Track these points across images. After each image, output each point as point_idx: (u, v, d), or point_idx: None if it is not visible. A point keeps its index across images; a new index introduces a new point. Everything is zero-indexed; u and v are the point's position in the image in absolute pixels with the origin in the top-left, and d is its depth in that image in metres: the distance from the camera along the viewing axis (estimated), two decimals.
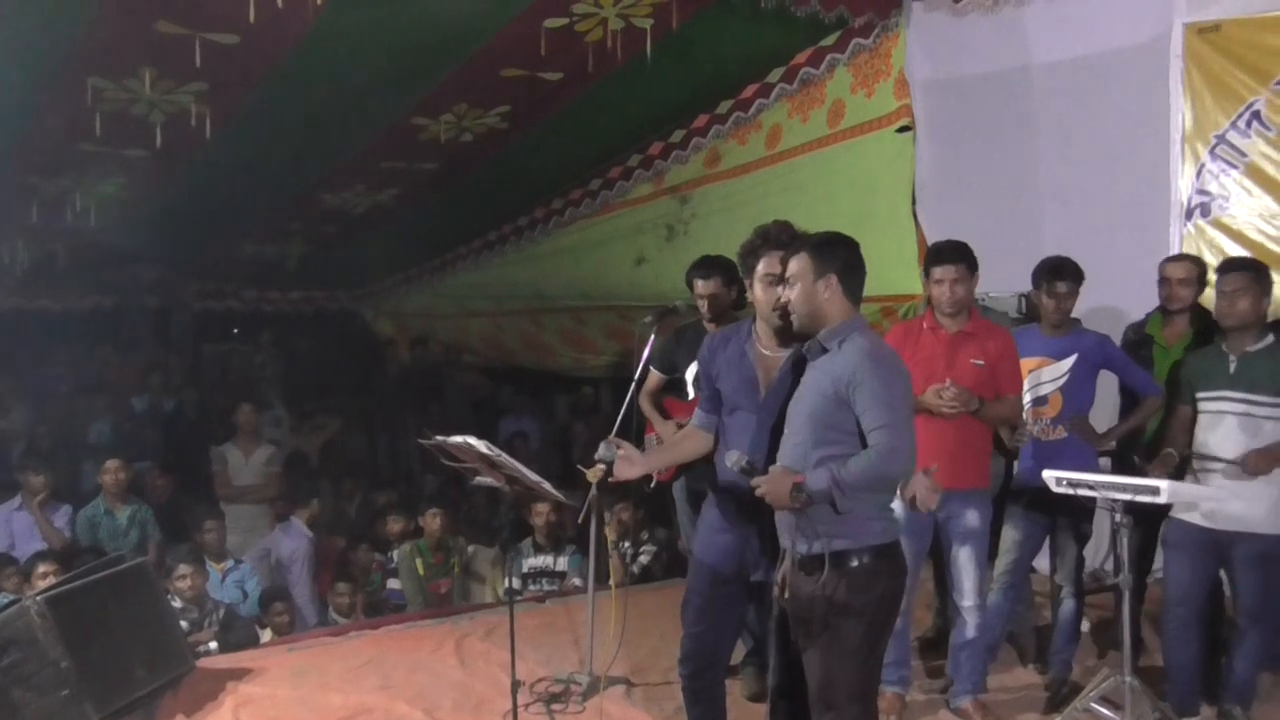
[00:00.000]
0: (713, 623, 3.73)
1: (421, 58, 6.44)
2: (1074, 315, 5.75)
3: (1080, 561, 4.70)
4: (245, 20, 5.36)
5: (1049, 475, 4.13)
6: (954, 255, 4.33)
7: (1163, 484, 3.92)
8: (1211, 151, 5.66)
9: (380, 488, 9.66)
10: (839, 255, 3.30)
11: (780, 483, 3.13)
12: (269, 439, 9.05)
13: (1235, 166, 5.58)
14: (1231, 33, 5.52)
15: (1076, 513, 4.54)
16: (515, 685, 4.04)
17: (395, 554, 7.25)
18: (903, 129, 6.76)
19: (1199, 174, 5.71)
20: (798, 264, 3.27)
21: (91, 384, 11.62)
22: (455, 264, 11.06)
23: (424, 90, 6.99)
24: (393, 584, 7.22)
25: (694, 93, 7.71)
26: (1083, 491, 4.02)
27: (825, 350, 3.23)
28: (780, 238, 3.53)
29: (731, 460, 3.30)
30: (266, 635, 6.36)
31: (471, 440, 3.72)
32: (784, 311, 3.38)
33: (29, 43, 5.78)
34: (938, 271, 4.32)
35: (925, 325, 4.42)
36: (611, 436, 3.86)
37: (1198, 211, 5.74)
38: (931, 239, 6.09)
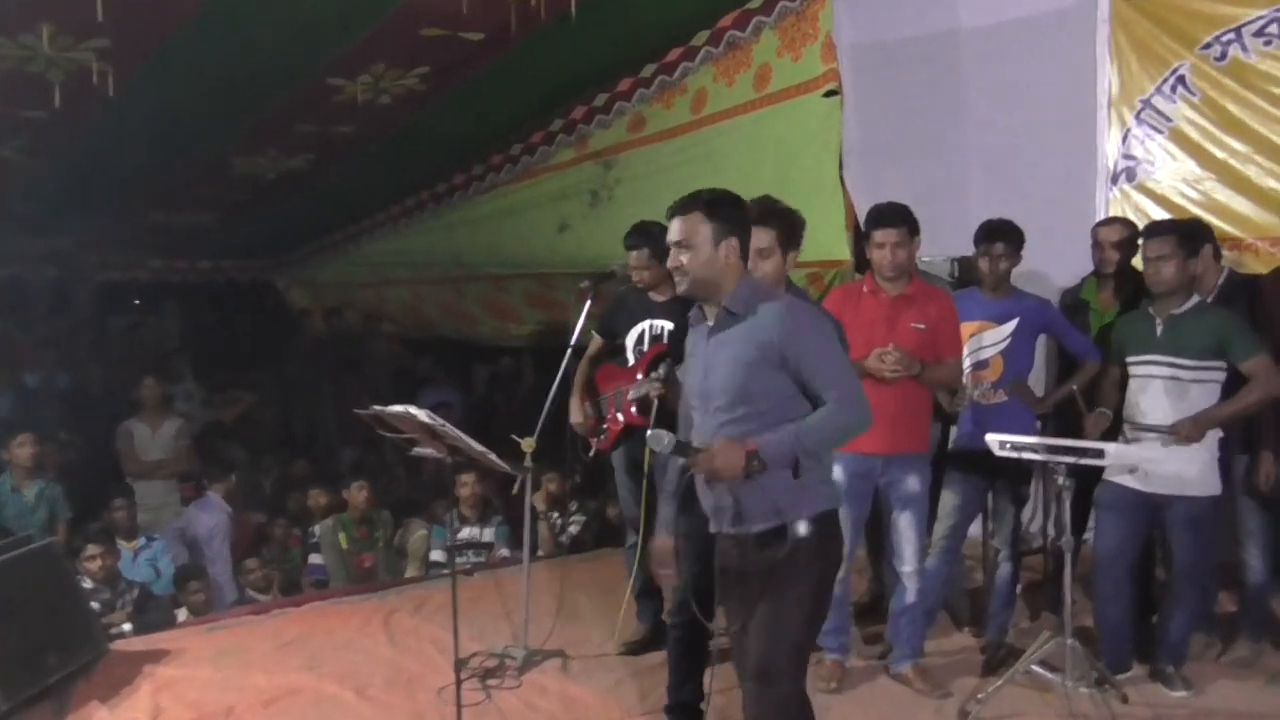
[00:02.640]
0: (709, 565, 3.70)
1: (339, 14, 6.19)
2: None
3: (1018, 525, 4.72)
4: None
5: (992, 439, 4.11)
6: (895, 218, 4.28)
7: (1108, 447, 3.94)
8: (1137, 116, 5.71)
9: (297, 461, 9.41)
10: (740, 217, 3.09)
11: (732, 454, 2.90)
12: (181, 413, 8.75)
13: (1160, 131, 5.65)
14: None
15: (1014, 476, 4.55)
16: (460, 663, 3.93)
17: (317, 529, 7.05)
18: (830, 93, 6.69)
19: (1125, 139, 5.76)
20: (694, 226, 3.00)
21: None
22: (373, 231, 10.76)
23: (340, 49, 6.71)
24: (314, 559, 7.03)
25: (618, 56, 7.55)
26: (1027, 455, 4.02)
27: (734, 316, 3.01)
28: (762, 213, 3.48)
29: (661, 444, 2.99)
30: (183, 615, 6.14)
31: (413, 410, 3.58)
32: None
33: None
34: (879, 235, 4.27)
35: (865, 289, 4.37)
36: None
37: (1123, 176, 5.80)
38: (859, 205, 6.06)
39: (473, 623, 5.27)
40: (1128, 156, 5.76)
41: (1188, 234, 4.17)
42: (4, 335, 11.52)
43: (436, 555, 6.66)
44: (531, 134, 8.63)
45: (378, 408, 3.63)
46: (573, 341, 4.73)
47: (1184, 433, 4.00)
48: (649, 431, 3.03)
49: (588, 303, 4.81)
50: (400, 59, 7.03)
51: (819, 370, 2.96)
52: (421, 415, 3.53)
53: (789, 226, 3.69)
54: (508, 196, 9.14)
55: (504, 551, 6.59)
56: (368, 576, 6.82)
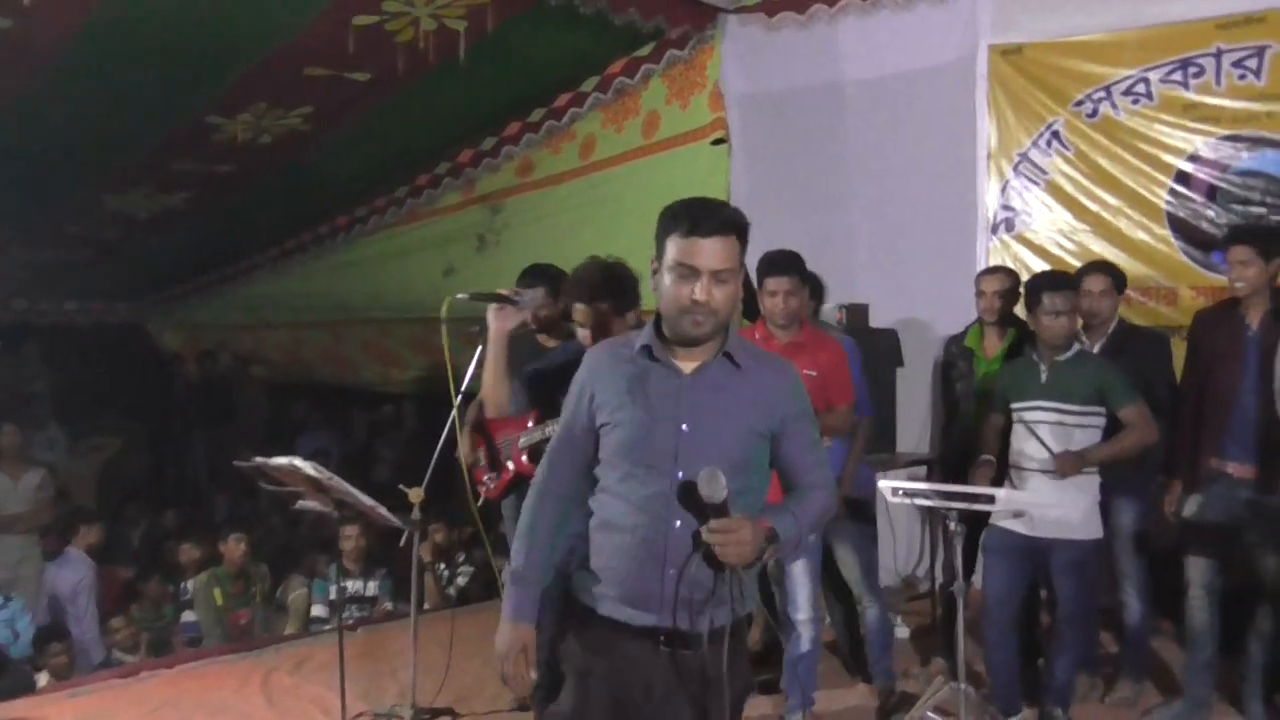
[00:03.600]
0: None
1: (218, 51, 6.04)
2: (886, 326, 5.91)
3: (874, 565, 4.75)
4: (18, 2, 4.88)
5: (885, 485, 4.14)
6: (786, 267, 4.30)
7: (999, 493, 3.99)
8: (1015, 168, 5.90)
9: (167, 512, 9.03)
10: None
11: (751, 534, 2.25)
12: (41, 461, 8.32)
13: (1036, 183, 5.84)
14: (1033, 55, 5.78)
15: (860, 516, 4.60)
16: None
17: (190, 584, 6.74)
18: (717, 141, 6.80)
19: (1004, 190, 5.95)
20: (734, 253, 2.32)
21: None
22: (250, 273, 10.49)
23: (220, 87, 6.56)
24: (186, 616, 6.72)
25: (507, 100, 7.55)
26: (919, 501, 4.05)
27: (735, 368, 2.42)
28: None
29: (714, 487, 2.21)
30: (44, 680, 5.79)
31: (297, 462, 3.42)
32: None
33: None
34: (771, 283, 4.28)
35: (758, 335, 4.38)
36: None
37: (1003, 226, 5.98)
38: (750, 253, 6.09)
39: (357, 680, 5.08)
40: (1006, 207, 5.94)
41: (1077, 289, 4.30)
42: None
43: (318, 610, 6.42)
44: (417, 176, 8.55)
45: (260, 459, 3.46)
46: (464, 388, 4.61)
47: (1060, 467, 4.08)
48: (705, 469, 2.22)
49: (479, 348, 4.69)
50: (283, 98, 6.91)
51: (811, 448, 2.52)
52: (307, 468, 3.38)
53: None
54: (392, 239, 9.03)
55: (388, 605, 6.39)
56: (244, 634, 6.54)
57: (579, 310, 3.74)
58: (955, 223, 6.05)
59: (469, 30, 6.16)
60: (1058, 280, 4.32)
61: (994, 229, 5.98)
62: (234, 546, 6.74)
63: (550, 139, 7.77)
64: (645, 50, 7.01)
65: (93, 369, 12.19)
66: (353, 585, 6.40)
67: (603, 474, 2.48)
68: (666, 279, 2.35)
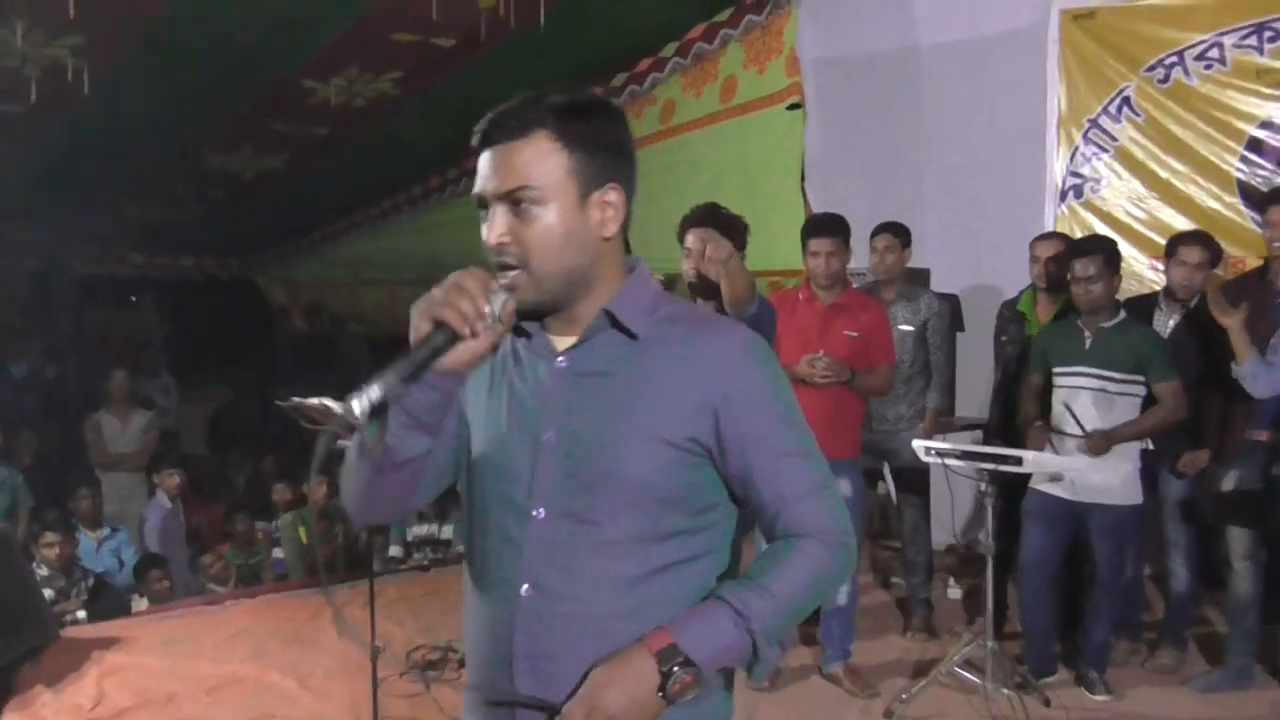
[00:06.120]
0: None
1: (309, 17, 6.32)
2: (954, 291, 5.92)
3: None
4: None
5: (918, 445, 4.23)
6: (830, 228, 4.40)
7: (1025, 454, 4.04)
8: (1085, 135, 5.84)
9: (268, 458, 9.48)
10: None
11: (635, 679, 1.44)
12: (159, 407, 8.82)
13: (1106, 150, 5.78)
14: (1106, 20, 5.70)
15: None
16: (375, 652, 4.00)
17: (279, 522, 7.14)
18: (793, 106, 6.85)
19: (1073, 156, 5.90)
20: (541, 156, 1.48)
21: None
22: (349, 232, 10.89)
23: (312, 51, 6.86)
24: (277, 553, 7.12)
25: (588, 64, 7.68)
26: (948, 461, 4.13)
27: (630, 335, 1.55)
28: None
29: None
30: (144, 604, 6.22)
31: (328, 402, 3.60)
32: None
33: None
34: (814, 244, 4.38)
35: (801, 296, 4.49)
36: None
37: (1071, 193, 5.93)
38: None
39: (421, 617, 5.38)
40: (1075, 174, 5.89)
41: (1114, 252, 4.28)
42: None
43: (394, 550, 6.75)
44: None
45: (296, 399, 3.65)
46: None
47: (1092, 445, 4.11)
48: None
49: None
50: (373, 63, 7.18)
51: (790, 464, 1.55)
52: (336, 408, 3.53)
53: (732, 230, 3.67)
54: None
55: (460, 548, 6.68)
56: (326, 570, 6.90)
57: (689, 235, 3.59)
58: (1024, 189, 6.03)
59: None
60: (1087, 245, 4.33)
61: (1062, 196, 5.94)
62: (318, 488, 7.08)
63: (632, 103, 7.90)
64: (724, 16, 7.09)
65: (205, 321, 12.81)
66: (428, 528, 6.71)
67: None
68: None
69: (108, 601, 5.83)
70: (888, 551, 6.28)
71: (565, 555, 1.50)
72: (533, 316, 1.54)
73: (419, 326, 1.42)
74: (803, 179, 6.71)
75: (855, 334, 4.36)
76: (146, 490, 7.80)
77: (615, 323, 1.53)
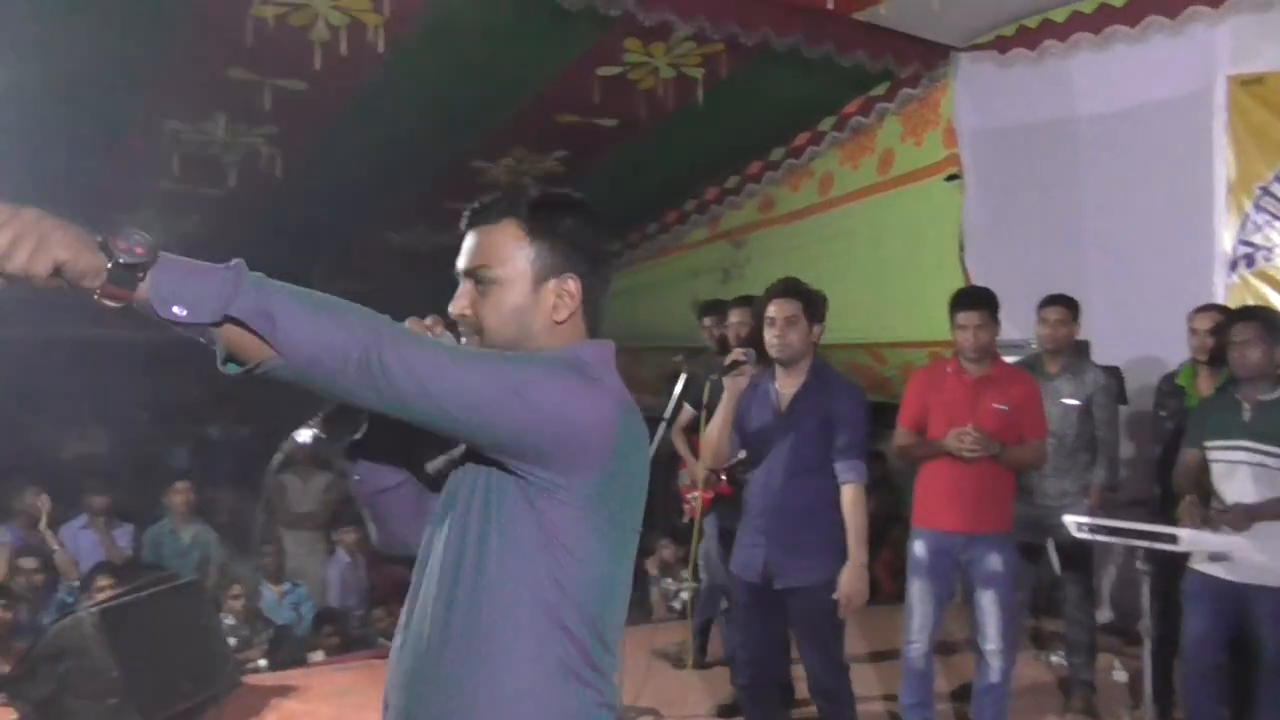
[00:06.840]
0: (754, 633, 4.02)
1: (479, 102, 6.70)
2: (1115, 363, 5.79)
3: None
4: (311, 67, 5.68)
5: (1069, 520, 4.16)
6: (977, 301, 4.40)
7: (1182, 532, 3.92)
8: (1255, 203, 5.65)
9: None
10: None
11: None
12: (338, 469, 9.27)
13: (1279, 218, 5.58)
14: (1275, 85, 5.53)
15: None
16: None
17: None
18: (951, 177, 6.86)
19: (1243, 225, 5.70)
20: (503, 242, 1.74)
21: (171, 410, 12.01)
22: None
23: (482, 133, 7.26)
24: None
25: (746, 140, 7.88)
26: (1100, 538, 4.05)
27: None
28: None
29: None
30: (319, 656, 6.55)
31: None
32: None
33: (113, 88, 6.14)
34: (961, 317, 4.39)
35: (949, 369, 4.49)
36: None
37: (1243, 262, 5.73)
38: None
39: None
40: (1246, 243, 5.70)
41: (1273, 319, 4.14)
42: (184, 390, 12.47)
43: None
44: (666, 213, 9.01)
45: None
46: (667, 415, 4.92)
47: (1233, 520, 3.94)
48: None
49: (683, 376, 5.01)
50: (539, 143, 7.54)
51: None
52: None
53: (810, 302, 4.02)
54: (645, 272, 9.53)
55: None
56: None
57: (773, 305, 4.05)
58: (1188, 258, 5.85)
59: (706, 77, 6.54)
60: (1244, 311, 4.21)
61: (1233, 265, 5.75)
62: None
63: (790, 176, 8.05)
64: (880, 89, 7.17)
65: None
66: None
67: None
68: None
69: (286, 651, 6.18)
70: (1050, 630, 6.12)
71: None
72: None
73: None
74: (961, 249, 6.69)
75: (1005, 407, 4.33)
76: (326, 547, 8.23)
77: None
